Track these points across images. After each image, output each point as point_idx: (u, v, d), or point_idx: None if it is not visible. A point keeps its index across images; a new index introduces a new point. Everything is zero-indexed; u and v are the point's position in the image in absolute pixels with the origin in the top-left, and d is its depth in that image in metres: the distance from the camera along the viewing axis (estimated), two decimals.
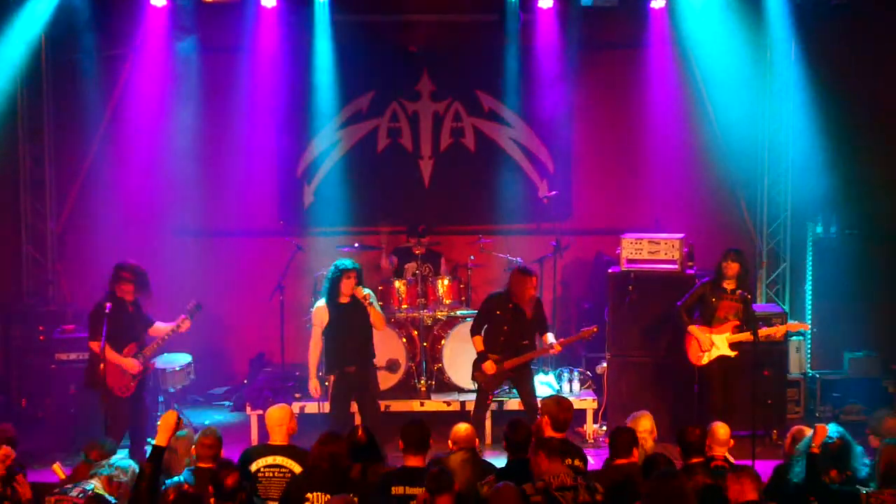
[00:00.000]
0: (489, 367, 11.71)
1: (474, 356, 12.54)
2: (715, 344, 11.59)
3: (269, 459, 8.79)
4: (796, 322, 11.82)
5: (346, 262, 11.55)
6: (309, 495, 7.99)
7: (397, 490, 8.02)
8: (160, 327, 11.58)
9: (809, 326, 11.87)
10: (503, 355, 11.72)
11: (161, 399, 13.33)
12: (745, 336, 11.44)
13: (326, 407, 12.65)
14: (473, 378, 11.97)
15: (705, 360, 11.66)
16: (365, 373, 11.59)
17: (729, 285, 11.69)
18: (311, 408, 12.66)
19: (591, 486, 7.93)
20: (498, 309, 11.80)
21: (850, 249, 14.14)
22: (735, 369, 11.62)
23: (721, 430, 9.16)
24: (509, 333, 11.75)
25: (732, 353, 11.61)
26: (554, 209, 14.24)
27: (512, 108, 14.98)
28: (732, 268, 11.63)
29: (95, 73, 14.35)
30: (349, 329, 11.43)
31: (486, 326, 11.85)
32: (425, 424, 8.54)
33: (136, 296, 11.36)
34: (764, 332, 11.45)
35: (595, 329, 11.98)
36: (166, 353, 13.52)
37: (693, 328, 11.74)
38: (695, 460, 8.58)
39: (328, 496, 7.93)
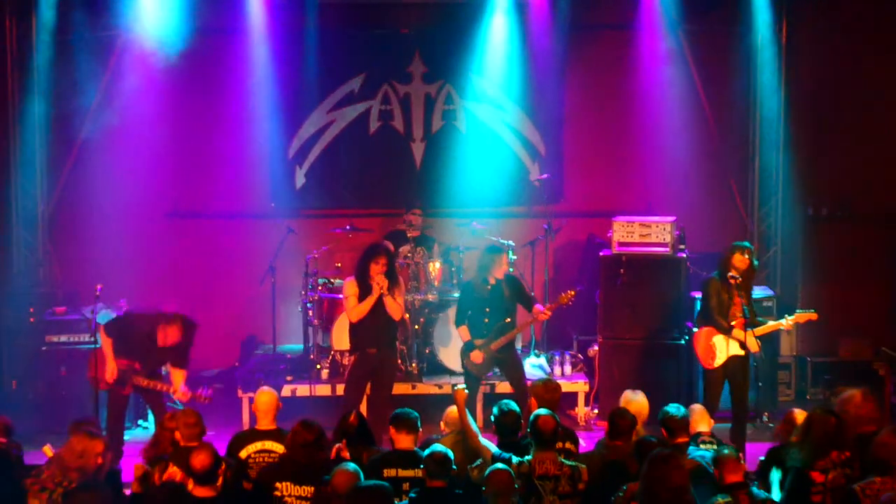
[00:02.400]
0: (476, 356, 11.76)
1: None
2: (731, 343, 11.26)
3: (258, 445, 8.78)
4: (804, 312, 11.56)
5: (379, 247, 11.58)
6: (278, 485, 7.95)
7: (389, 472, 8.01)
8: (173, 377, 11.28)
9: (817, 316, 11.65)
10: (489, 338, 11.76)
11: None
12: (763, 330, 11.24)
13: (318, 390, 12.70)
14: (463, 366, 12.02)
15: (717, 364, 11.33)
16: (386, 355, 11.61)
17: (735, 281, 11.23)
18: (303, 390, 12.69)
19: (574, 475, 7.92)
20: (476, 293, 11.87)
21: (842, 232, 14.16)
22: (737, 366, 11.37)
23: (698, 406, 9.27)
24: (492, 314, 11.79)
25: (743, 352, 11.28)
26: (546, 192, 14.23)
27: (504, 90, 14.93)
28: (745, 262, 11.23)
29: (86, 53, 14.27)
30: (375, 311, 11.40)
31: (469, 313, 11.88)
32: (415, 408, 8.55)
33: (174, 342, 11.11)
34: (772, 326, 11.30)
35: (573, 293, 11.82)
36: None
37: (737, 334, 11.19)
38: (680, 440, 8.57)
39: (298, 486, 7.94)
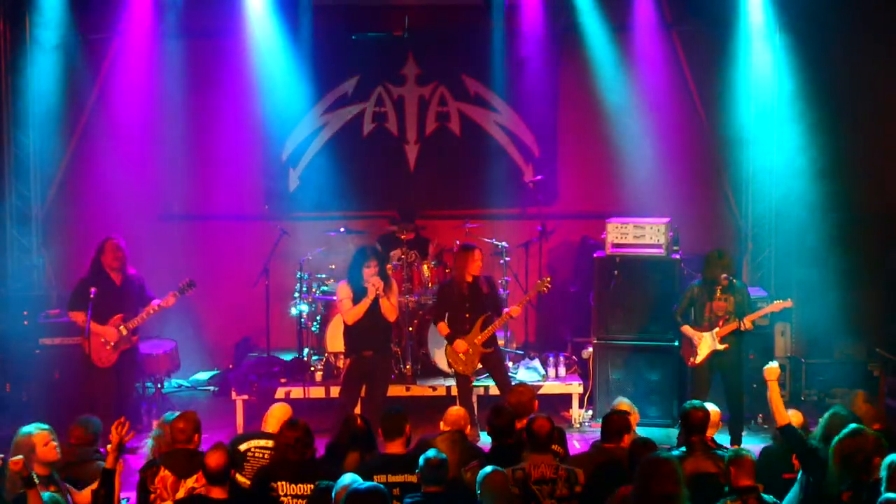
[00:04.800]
0: (460, 344, 12.00)
1: None
2: (704, 340, 11.53)
3: (262, 441, 8.78)
4: (779, 301, 11.74)
5: (368, 250, 11.64)
6: (274, 485, 7.98)
7: (379, 479, 7.98)
8: (158, 301, 11.74)
9: (792, 303, 11.79)
10: (472, 333, 12.03)
11: (149, 385, 13.36)
12: (733, 325, 11.41)
13: (312, 392, 12.69)
14: (449, 366, 12.26)
15: (699, 360, 11.57)
16: (381, 358, 11.69)
17: (719, 288, 11.54)
18: (297, 393, 12.66)
19: (571, 478, 7.91)
20: (455, 291, 12.11)
21: (836, 233, 14.15)
22: (723, 362, 11.59)
23: (713, 411, 9.30)
24: (472, 310, 12.05)
25: (723, 347, 11.48)
26: (540, 193, 14.22)
27: (497, 92, 14.94)
28: (723, 279, 11.48)
29: (80, 56, 14.29)
30: (369, 314, 11.46)
31: (447, 313, 12.15)
32: (403, 412, 8.56)
33: (122, 266, 11.56)
34: (750, 317, 11.43)
35: (549, 278, 12.25)
36: (151, 338, 13.53)
37: (686, 328, 11.70)
38: (694, 438, 8.53)
39: (294, 485, 7.96)
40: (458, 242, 13.74)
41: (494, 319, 12.11)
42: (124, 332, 11.45)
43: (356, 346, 11.57)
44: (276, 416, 9.08)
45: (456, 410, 9.04)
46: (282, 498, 7.96)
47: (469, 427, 9.14)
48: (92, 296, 11.13)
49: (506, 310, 12.20)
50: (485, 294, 12.12)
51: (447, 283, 12.40)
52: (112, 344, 11.44)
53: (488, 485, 7.41)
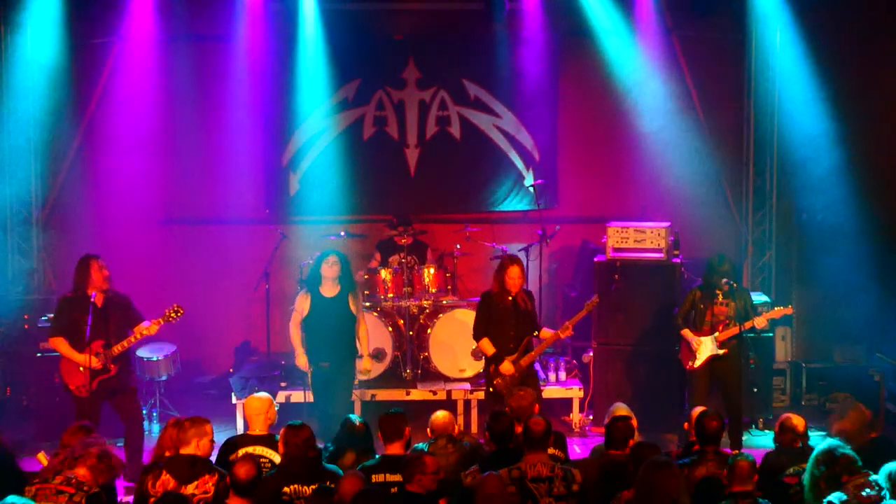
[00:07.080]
0: (507, 367, 11.16)
1: (461, 345, 12.57)
2: (704, 344, 11.47)
3: (249, 450, 8.71)
4: (780, 308, 11.70)
5: (327, 250, 11.57)
6: (287, 489, 7.95)
7: (377, 478, 8.01)
8: (142, 327, 10.85)
9: (793, 310, 11.76)
10: (520, 353, 11.25)
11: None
12: (733, 331, 11.38)
13: (311, 396, 12.68)
14: (493, 387, 11.25)
15: (697, 364, 11.49)
16: (341, 367, 11.49)
17: (720, 292, 11.48)
18: (297, 396, 12.65)
19: (568, 476, 7.91)
20: (498, 306, 11.28)
21: (836, 237, 14.14)
22: (723, 367, 11.57)
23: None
24: (517, 328, 11.27)
25: (722, 352, 11.43)
26: (540, 197, 14.20)
27: (498, 96, 14.94)
28: (724, 284, 11.42)
29: (81, 61, 14.30)
30: (327, 324, 11.35)
31: (490, 327, 11.32)
32: (402, 413, 8.55)
33: (110, 286, 10.78)
34: (749, 323, 11.40)
35: (597, 299, 11.85)
36: (151, 342, 13.51)
37: (686, 332, 11.55)
38: (709, 448, 8.48)
39: (307, 486, 7.95)
40: (458, 247, 13.82)
41: (539, 341, 11.43)
42: (105, 360, 10.60)
43: (314, 356, 11.45)
44: (253, 412, 8.96)
45: (442, 416, 8.98)
46: (296, 502, 7.93)
47: (456, 430, 9.12)
48: (92, 298, 10.77)
49: (549, 331, 11.49)
50: (529, 310, 11.37)
51: (486, 295, 11.39)
52: (90, 373, 10.58)
53: (484, 489, 7.41)
